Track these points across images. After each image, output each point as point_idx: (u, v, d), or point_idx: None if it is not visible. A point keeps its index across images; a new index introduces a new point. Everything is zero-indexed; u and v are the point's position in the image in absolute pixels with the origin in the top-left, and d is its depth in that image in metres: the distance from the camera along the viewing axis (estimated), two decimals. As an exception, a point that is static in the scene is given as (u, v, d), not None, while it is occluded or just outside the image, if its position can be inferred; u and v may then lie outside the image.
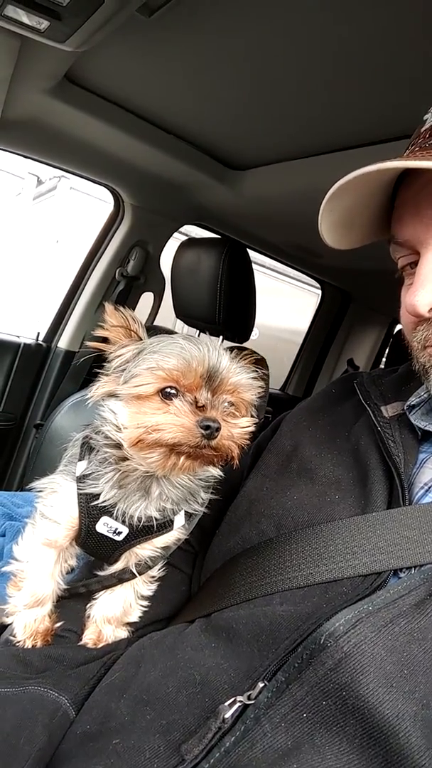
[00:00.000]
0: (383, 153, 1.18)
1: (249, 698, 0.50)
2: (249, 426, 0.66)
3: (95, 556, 0.78)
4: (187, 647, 0.61)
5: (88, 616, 0.76)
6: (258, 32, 0.89)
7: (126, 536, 0.71)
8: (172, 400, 0.62)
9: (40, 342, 1.93)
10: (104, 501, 0.69)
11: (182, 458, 0.62)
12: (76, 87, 1.20)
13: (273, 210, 1.66)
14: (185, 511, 0.74)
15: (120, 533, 0.70)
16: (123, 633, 0.75)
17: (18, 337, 1.90)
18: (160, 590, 0.76)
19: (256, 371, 0.70)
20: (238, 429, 0.64)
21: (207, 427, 0.59)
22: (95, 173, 1.64)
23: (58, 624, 0.75)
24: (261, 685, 0.50)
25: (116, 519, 0.70)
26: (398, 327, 2.80)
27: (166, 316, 1.86)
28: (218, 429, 0.60)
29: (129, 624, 0.76)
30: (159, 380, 0.62)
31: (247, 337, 1.66)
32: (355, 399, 0.77)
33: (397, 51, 0.88)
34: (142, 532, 0.71)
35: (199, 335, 1.75)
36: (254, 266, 1.61)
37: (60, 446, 1.66)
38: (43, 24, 0.74)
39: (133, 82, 1.18)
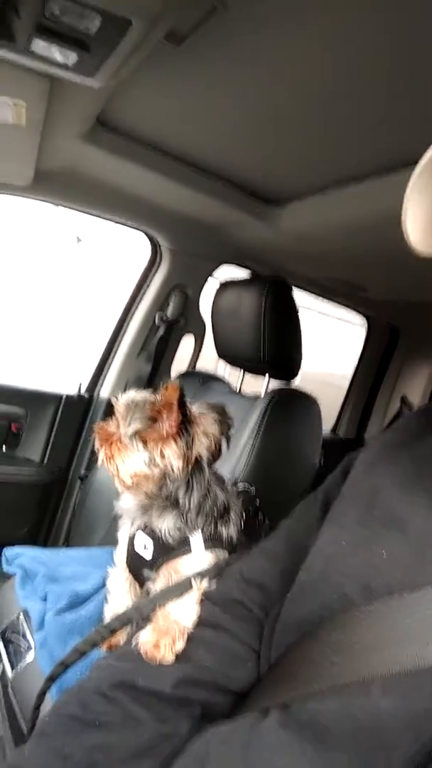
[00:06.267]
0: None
1: None
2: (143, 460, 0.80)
3: (135, 577, 0.89)
4: (263, 747, 0.49)
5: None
6: (292, 52, 0.85)
7: (153, 554, 0.82)
8: None
9: (82, 393, 1.90)
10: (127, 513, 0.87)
11: None
12: (108, 130, 1.20)
13: (313, 245, 1.59)
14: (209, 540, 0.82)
15: (147, 549, 0.83)
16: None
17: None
18: (220, 666, 0.64)
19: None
20: (123, 455, 0.81)
21: None
22: (131, 218, 1.64)
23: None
24: None
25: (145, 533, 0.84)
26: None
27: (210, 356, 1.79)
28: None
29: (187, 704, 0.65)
30: None
31: (294, 375, 1.57)
32: None
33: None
34: (165, 549, 0.81)
35: (243, 376, 1.68)
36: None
37: (105, 498, 1.63)
38: (72, 58, 0.72)
39: (165, 121, 1.17)
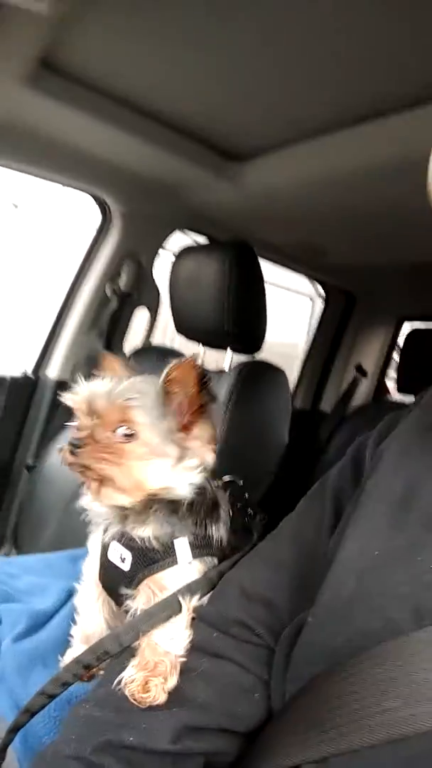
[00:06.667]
0: (408, 122, 1.03)
1: None
2: (137, 451, 0.66)
3: (109, 593, 0.77)
4: None
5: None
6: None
7: (131, 567, 0.71)
8: None
9: (28, 374, 1.73)
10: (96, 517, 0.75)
11: (88, 482, 0.68)
12: (53, 74, 1.03)
13: (278, 205, 1.49)
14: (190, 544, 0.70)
15: (124, 560, 0.72)
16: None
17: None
18: (222, 702, 0.55)
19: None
20: (115, 452, 0.65)
21: (70, 443, 0.65)
22: (77, 178, 1.46)
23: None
24: None
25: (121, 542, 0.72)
26: (408, 326, 2.66)
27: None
28: (77, 446, 0.65)
29: (189, 759, 0.55)
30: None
31: (258, 347, 1.48)
32: None
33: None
34: (146, 561, 0.70)
35: (204, 352, 1.58)
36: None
37: (56, 489, 1.46)
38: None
39: (116, 64, 1.02)
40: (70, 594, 1.01)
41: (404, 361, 2.46)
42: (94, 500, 0.70)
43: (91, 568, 0.79)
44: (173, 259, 1.51)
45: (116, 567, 0.73)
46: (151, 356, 1.66)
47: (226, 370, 1.46)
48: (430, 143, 1.09)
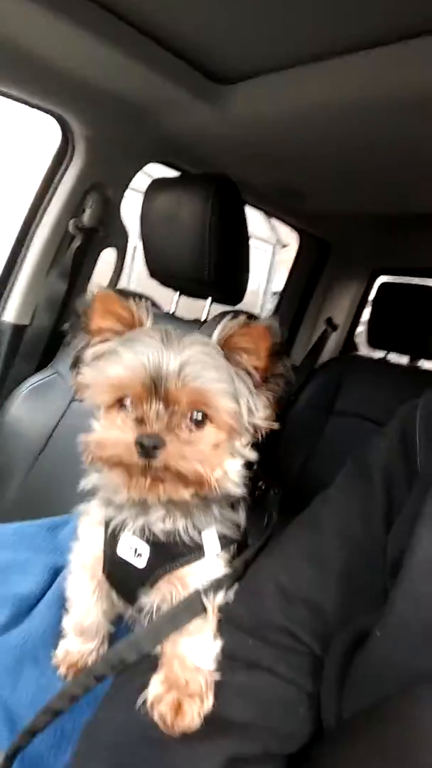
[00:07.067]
0: (406, 55, 0.92)
1: None
2: (214, 439, 0.55)
3: (119, 593, 0.68)
4: None
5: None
6: None
7: (149, 562, 0.61)
8: (123, 410, 0.56)
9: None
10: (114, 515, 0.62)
11: (144, 479, 0.53)
12: None
13: (262, 138, 1.34)
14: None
15: (140, 555, 0.62)
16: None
17: None
18: (266, 721, 0.48)
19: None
20: (196, 446, 0.53)
21: (142, 445, 0.51)
22: (35, 93, 1.25)
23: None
24: None
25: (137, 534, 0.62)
26: (381, 279, 2.60)
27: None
28: (156, 447, 0.51)
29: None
30: (110, 390, 0.56)
31: (240, 298, 1.37)
32: None
33: None
34: (168, 556, 0.60)
35: (179, 298, 1.46)
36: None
37: (23, 442, 1.32)
38: None
39: None
40: (54, 573, 0.91)
41: (375, 316, 2.42)
42: (136, 495, 0.57)
43: (83, 557, 0.69)
44: (145, 191, 1.35)
45: (127, 563, 0.62)
46: (120, 302, 1.53)
47: (203, 319, 1.36)
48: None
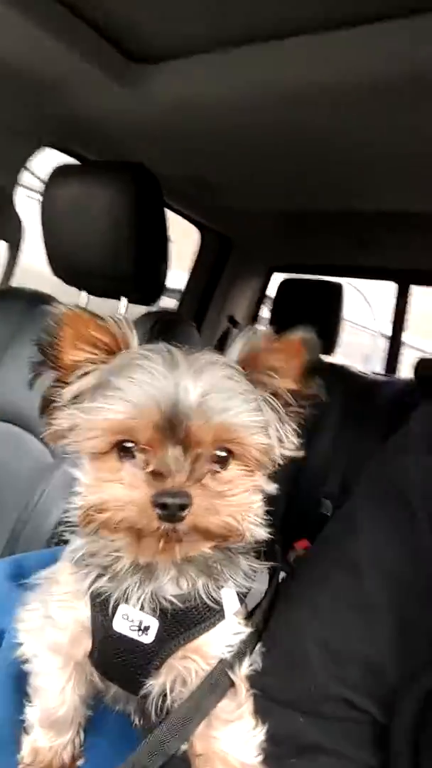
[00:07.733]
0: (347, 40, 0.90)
1: None
2: (244, 482, 0.45)
3: (117, 682, 0.54)
4: None
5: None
6: None
7: (158, 635, 0.48)
8: (128, 459, 0.44)
9: None
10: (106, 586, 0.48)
11: (157, 542, 0.42)
12: None
13: (175, 125, 1.25)
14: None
15: (147, 629, 0.49)
16: None
17: None
18: None
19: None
20: (228, 496, 0.43)
21: (164, 506, 0.40)
22: None
23: (80, 762, 0.55)
24: None
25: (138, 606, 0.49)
26: (279, 277, 2.63)
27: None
28: (183, 507, 0.40)
29: None
30: (107, 433, 0.43)
31: (159, 296, 1.27)
32: None
33: None
34: (180, 626, 0.48)
35: (88, 300, 1.31)
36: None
37: None
38: None
39: None
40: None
41: (276, 312, 2.45)
42: (145, 559, 0.46)
43: (55, 638, 0.53)
44: (48, 179, 1.19)
45: (129, 640, 0.49)
46: (19, 303, 1.34)
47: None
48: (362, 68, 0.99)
